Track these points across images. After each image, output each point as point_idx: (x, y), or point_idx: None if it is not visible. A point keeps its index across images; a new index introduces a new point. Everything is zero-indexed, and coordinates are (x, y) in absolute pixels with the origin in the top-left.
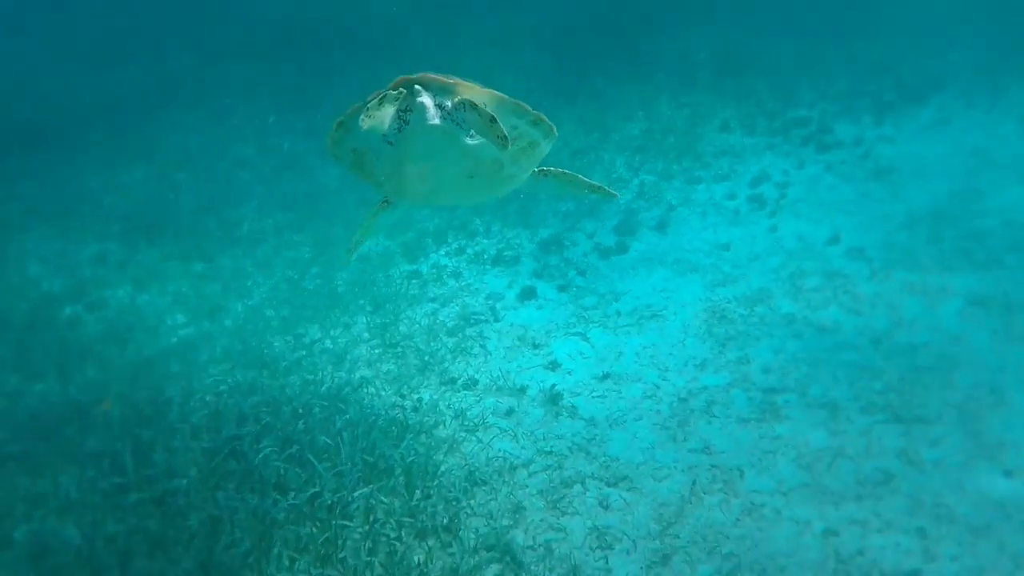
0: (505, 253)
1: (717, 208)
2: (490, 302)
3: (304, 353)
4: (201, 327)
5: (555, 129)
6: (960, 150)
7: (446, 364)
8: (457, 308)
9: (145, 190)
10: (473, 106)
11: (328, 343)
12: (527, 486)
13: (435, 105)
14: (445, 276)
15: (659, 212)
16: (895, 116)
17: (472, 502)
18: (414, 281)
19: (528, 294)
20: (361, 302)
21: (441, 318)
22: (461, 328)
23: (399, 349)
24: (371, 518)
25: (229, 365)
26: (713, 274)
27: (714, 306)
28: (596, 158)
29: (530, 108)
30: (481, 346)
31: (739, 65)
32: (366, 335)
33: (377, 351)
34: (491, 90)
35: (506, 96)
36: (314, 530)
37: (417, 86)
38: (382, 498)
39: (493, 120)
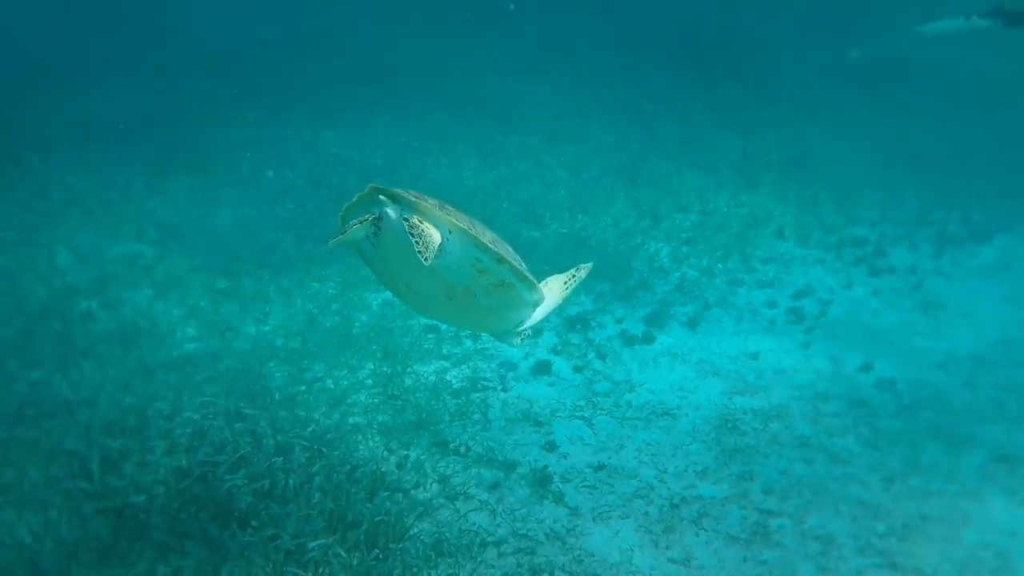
0: None
1: (754, 315)
2: (502, 370)
3: (303, 389)
4: (209, 344)
5: (534, 285)
6: (1016, 297)
7: (442, 425)
8: (468, 371)
9: (189, 200)
10: (419, 222)
11: (329, 383)
12: (493, 567)
13: (400, 218)
14: (463, 336)
15: (694, 309)
16: (955, 250)
17: (432, 572)
18: (431, 336)
19: (542, 368)
20: (373, 347)
21: (448, 378)
22: (467, 391)
23: (399, 402)
24: (322, 571)
25: (224, 388)
26: (735, 381)
27: (728, 414)
28: (642, 243)
29: (492, 248)
30: (483, 413)
31: (804, 173)
32: (369, 382)
33: (376, 400)
34: (457, 219)
35: (466, 228)
36: (264, 572)
37: (382, 196)
38: (341, 552)
39: (420, 234)
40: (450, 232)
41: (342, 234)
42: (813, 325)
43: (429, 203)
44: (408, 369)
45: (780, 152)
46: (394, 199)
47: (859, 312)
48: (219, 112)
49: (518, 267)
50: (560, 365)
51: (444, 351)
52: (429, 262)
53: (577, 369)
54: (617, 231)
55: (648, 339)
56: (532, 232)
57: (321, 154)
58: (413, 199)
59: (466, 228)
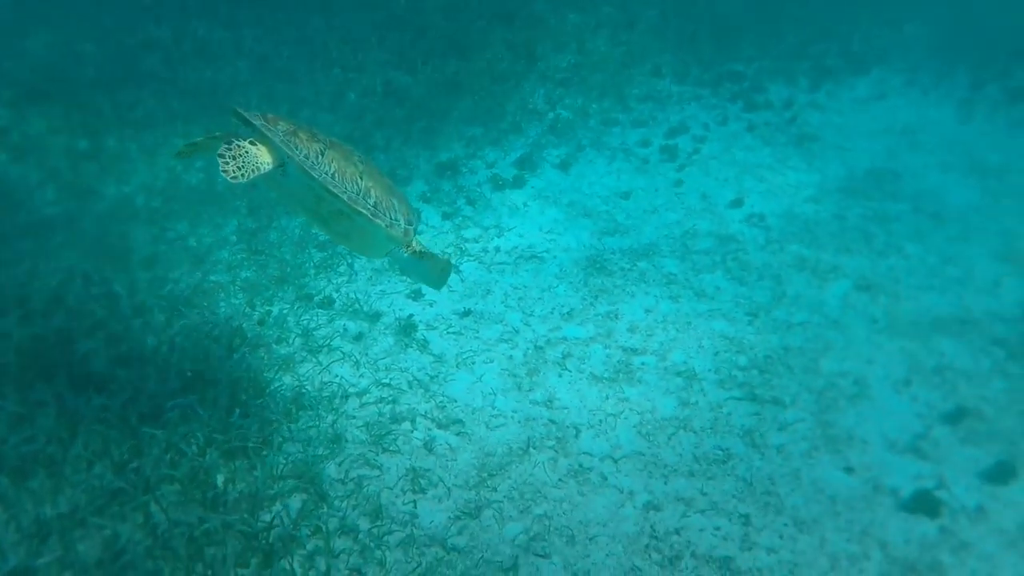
0: (398, 172)
1: (627, 154)
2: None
3: (164, 248)
4: (68, 207)
5: (374, 218)
6: (889, 128)
7: (307, 279)
8: None
9: (46, 58)
10: (239, 146)
11: (192, 241)
12: (355, 417)
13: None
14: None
15: (566, 150)
16: (832, 84)
17: (292, 426)
18: None
19: None
20: (238, 203)
21: (315, 230)
22: (332, 243)
23: (263, 257)
24: (181, 430)
25: (82, 251)
26: (605, 222)
27: (597, 255)
28: (515, 85)
29: (317, 178)
30: (349, 264)
31: (687, 9)
32: (233, 238)
33: (240, 256)
34: (297, 146)
35: (299, 157)
36: (120, 435)
37: (235, 119)
38: (199, 411)
39: (229, 155)
40: (288, 157)
41: (189, 144)
42: (686, 163)
43: (277, 127)
44: (273, 223)
45: None
46: (245, 122)
47: (733, 148)
48: None
49: (352, 199)
50: (428, 213)
51: None
52: (232, 180)
53: (446, 216)
54: (491, 75)
55: (519, 183)
56: (404, 77)
57: (187, 2)
58: (259, 123)
59: (299, 157)
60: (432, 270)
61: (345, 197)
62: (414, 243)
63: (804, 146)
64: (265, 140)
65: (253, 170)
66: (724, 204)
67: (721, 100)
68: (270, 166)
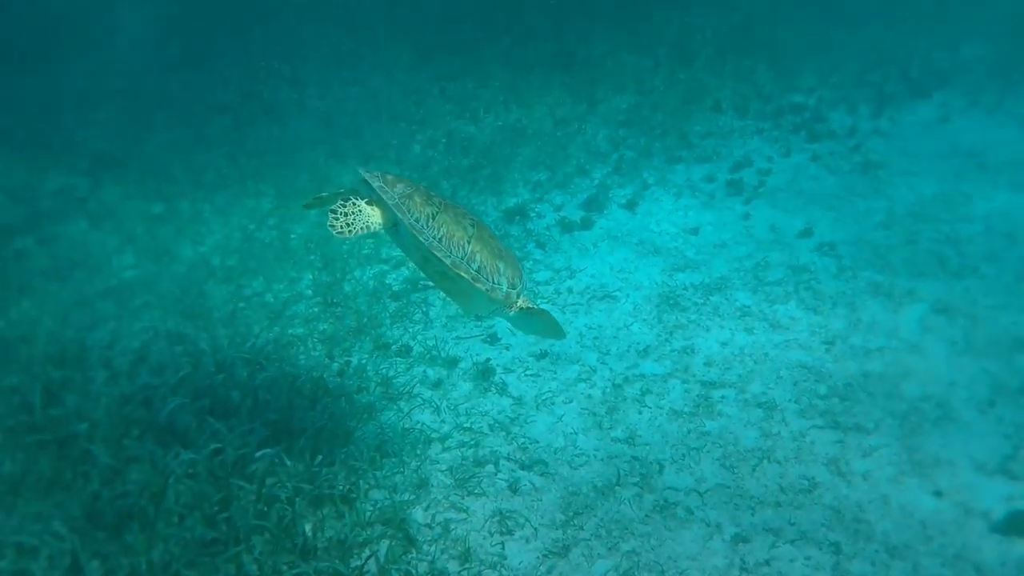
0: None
1: (693, 190)
2: None
3: (242, 305)
4: (146, 270)
5: (476, 282)
6: (955, 151)
7: (383, 328)
8: (407, 271)
9: (119, 127)
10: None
11: (269, 297)
12: (438, 462)
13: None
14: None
15: (632, 189)
16: (894, 109)
17: (377, 473)
18: (369, 241)
19: None
20: (311, 258)
21: (388, 280)
22: (407, 293)
23: (339, 309)
24: (269, 481)
25: (163, 311)
26: (675, 258)
27: (669, 291)
28: (578, 128)
29: (423, 242)
30: (424, 312)
31: (744, 44)
32: (309, 292)
33: (316, 309)
34: (408, 209)
35: (408, 220)
36: (209, 488)
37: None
38: (286, 461)
39: (339, 212)
40: (400, 220)
41: (316, 197)
42: (752, 195)
43: (393, 190)
44: (347, 276)
45: (717, 23)
46: (366, 183)
47: (798, 179)
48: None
49: (455, 263)
50: None
51: (383, 255)
52: (338, 234)
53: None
54: (553, 119)
55: (587, 224)
56: (467, 127)
57: (252, 66)
58: (376, 184)
59: (409, 220)
60: (542, 324)
61: (448, 261)
62: (520, 302)
63: (870, 173)
64: (380, 201)
65: (363, 228)
66: (793, 234)
67: (783, 132)
68: (380, 226)
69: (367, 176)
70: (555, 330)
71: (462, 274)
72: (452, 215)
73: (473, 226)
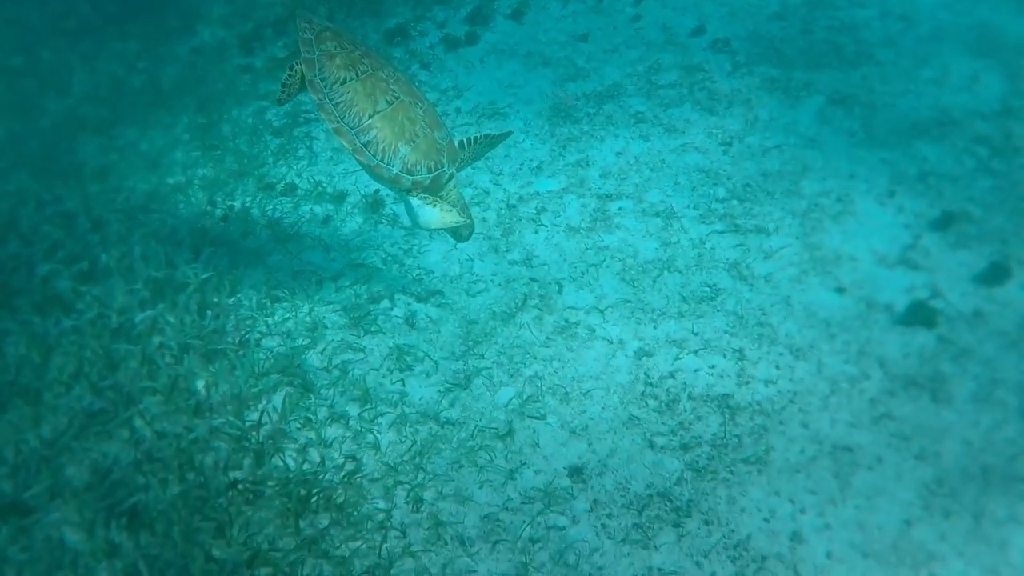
0: (277, 101)
1: None
2: None
3: (116, 157)
4: (10, 128)
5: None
6: None
7: (266, 168)
8: (288, 105)
9: None
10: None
11: (144, 145)
12: (332, 302)
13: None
14: (279, 70)
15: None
16: None
17: (269, 320)
18: (246, 76)
19: None
20: (186, 100)
21: (268, 117)
22: (288, 128)
23: (218, 152)
24: (155, 340)
25: (31, 172)
26: (566, 68)
27: (560, 103)
28: None
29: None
30: (308, 147)
31: None
32: (186, 137)
33: (195, 154)
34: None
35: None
36: (94, 354)
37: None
38: (170, 318)
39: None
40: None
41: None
42: None
43: (320, 46)
44: (225, 116)
45: None
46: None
47: None
48: None
49: (339, 128)
50: None
51: (261, 90)
52: (278, 103)
53: None
54: None
55: (472, 39)
56: None
57: None
58: (303, 35)
59: (310, 77)
60: (454, 219)
61: (332, 125)
62: (415, 189)
63: None
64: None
65: (294, 91)
66: (686, 33)
67: None
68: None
69: (301, 25)
70: (457, 232)
71: (343, 142)
72: (369, 86)
73: (391, 104)
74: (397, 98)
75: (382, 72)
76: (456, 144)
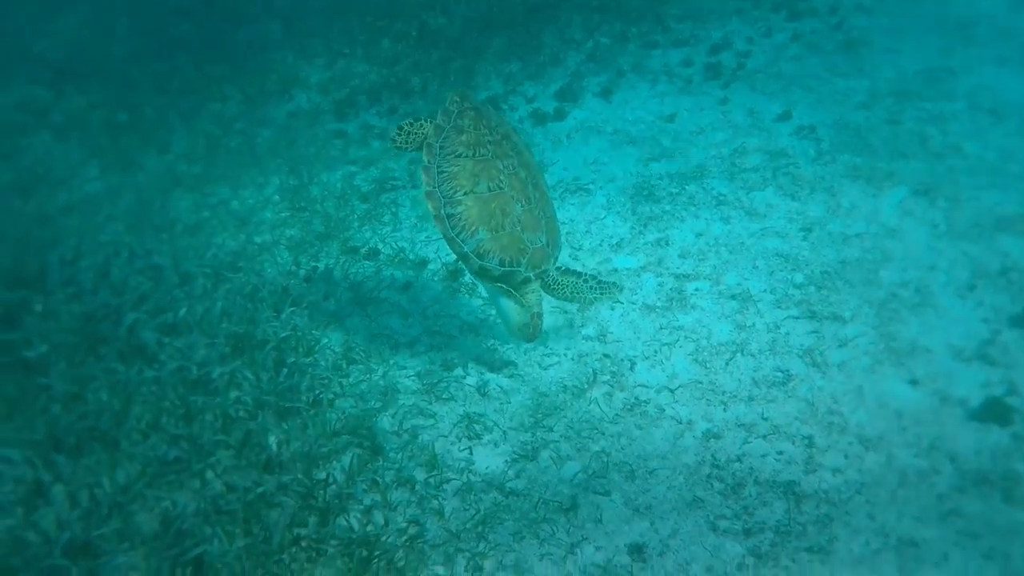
0: (390, 141)
1: (670, 76)
2: (412, 166)
3: (208, 214)
4: (110, 182)
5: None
6: (942, 24)
7: (352, 231)
8: (376, 172)
9: (80, 37)
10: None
11: (235, 204)
12: (406, 367)
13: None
14: (371, 137)
15: (607, 77)
16: None
17: (344, 381)
18: (337, 142)
19: None
20: (279, 162)
21: (357, 182)
22: (375, 194)
23: (306, 213)
24: (232, 395)
25: (127, 224)
26: (651, 147)
27: (644, 182)
28: (551, 15)
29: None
30: (393, 214)
31: None
32: (276, 198)
33: (283, 215)
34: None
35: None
36: (172, 404)
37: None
38: (247, 374)
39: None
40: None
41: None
42: (731, 79)
43: (458, 121)
44: (315, 179)
45: None
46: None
47: (778, 60)
48: None
49: (429, 192)
50: None
51: (351, 156)
52: (396, 147)
53: None
54: (525, 7)
55: (560, 115)
56: (438, 19)
57: None
58: (449, 106)
59: (428, 141)
60: (512, 317)
61: (425, 189)
62: (487, 275)
63: (853, 51)
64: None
65: (417, 145)
66: (772, 118)
67: (763, 11)
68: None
69: (452, 98)
70: (519, 331)
71: (430, 206)
72: (479, 168)
73: (491, 191)
74: (499, 188)
75: (501, 162)
76: (551, 258)
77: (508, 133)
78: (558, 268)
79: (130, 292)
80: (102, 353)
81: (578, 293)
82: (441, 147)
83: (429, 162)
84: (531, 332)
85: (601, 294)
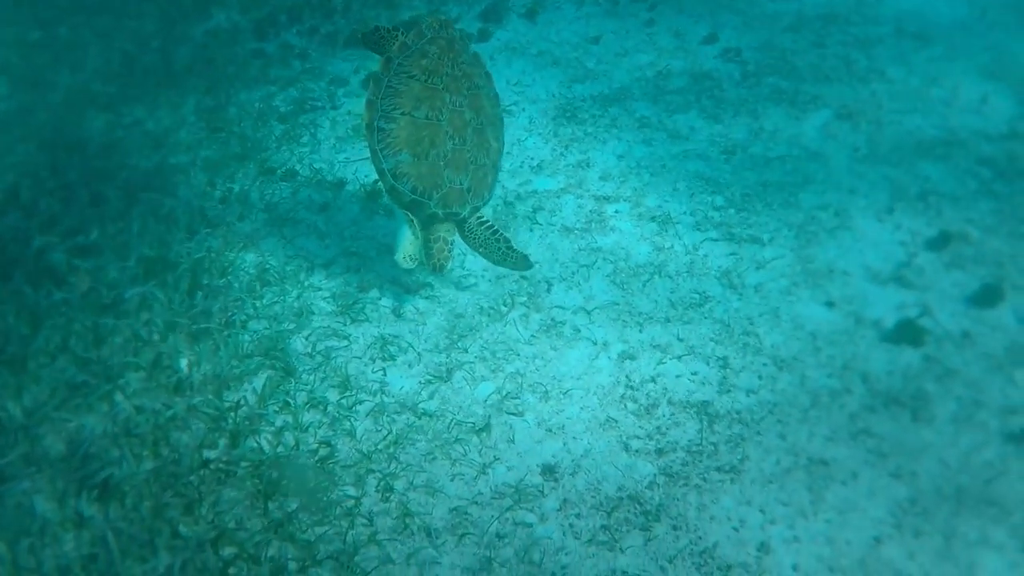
0: (358, 34)
1: None
2: (332, 87)
3: (122, 134)
4: (21, 100)
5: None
6: None
7: (269, 152)
8: (295, 92)
9: None
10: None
11: (150, 124)
12: (321, 289)
13: None
14: (291, 57)
15: None
16: None
17: (258, 303)
18: (257, 61)
19: None
20: (196, 81)
21: (276, 103)
22: (294, 114)
23: (223, 134)
24: (143, 317)
25: (38, 144)
26: (575, 69)
27: (567, 104)
28: None
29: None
30: (312, 135)
31: None
32: (192, 118)
33: (200, 135)
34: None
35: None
36: (82, 327)
37: None
38: (159, 295)
39: None
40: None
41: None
42: (658, 1)
43: (420, 40)
44: (232, 99)
45: None
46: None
47: None
48: None
49: (369, 108)
50: None
51: (271, 75)
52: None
53: None
54: None
55: (484, 36)
56: None
57: None
58: (415, 27)
59: (382, 55)
60: (403, 245)
61: (364, 104)
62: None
63: None
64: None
65: (379, 51)
66: (698, 41)
67: None
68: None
69: (429, 22)
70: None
71: (365, 115)
72: (425, 94)
73: (427, 119)
74: (437, 119)
75: (450, 96)
76: (467, 204)
77: (472, 75)
78: (479, 219)
79: (40, 214)
80: (10, 275)
81: (487, 249)
82: (399, 64)
83: (382, 74)
84: (407, 265)
85: (508, 259)
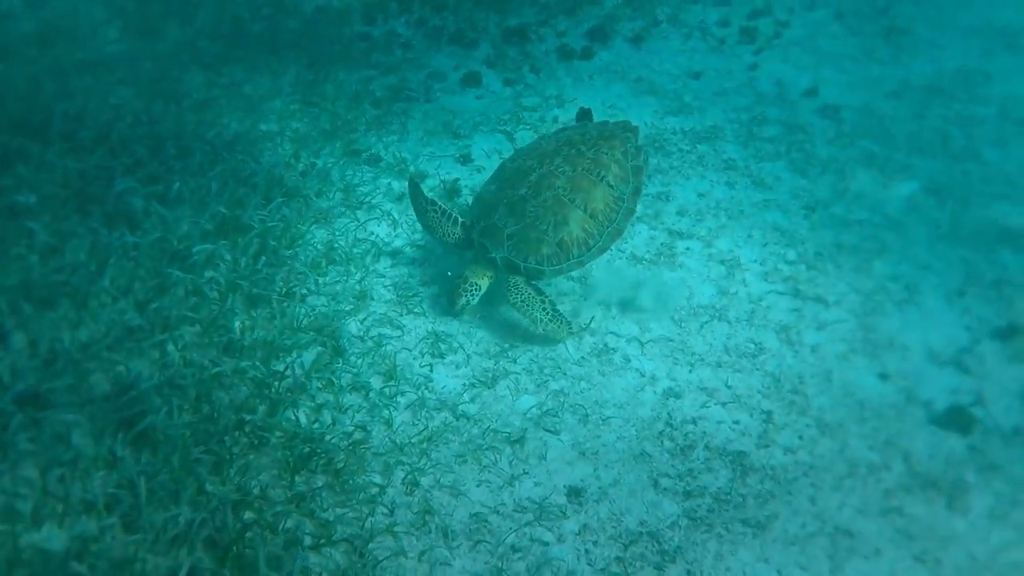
0: (466, 34)
1: (704, 33)
2: (429, 81)
3: (218, 93)
4: (130, 46)
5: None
6: (988, 27)
7: (357, 134)
8: (394, 79)
9: None
10: None
11: (247, 88)
12: (384, 276)
13: None
14: (395, 45)
15: (641, 24)
16: None
17: (320, 279)
18: (361, 44)
19: (472, 80)
20: (299, 54)
21: (373, 87)
22: (389, 101)
23: (316, 109)
24: (207, 273)
25: (137, 90)
26: (671, 101)
27: (657, 134)
28: None
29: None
30: (402, 124)
31: None
32: (289, 89)
33: (294, 107)
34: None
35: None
36: (147, 273)
37: None
38: (226, 255)
39: None
40: None
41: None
42: (764, 46)
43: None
44: (331, 77)
45: None
46: None
47: (817, 35)
48: None
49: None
50: (490, 78)
51: (373, 59)
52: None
53: (508, 82)
54: None
55: (587, 54)
56: None
57: None
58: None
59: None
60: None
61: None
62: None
63: (893, 38)
64: None
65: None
66: (798, 92)
67: None
68: None
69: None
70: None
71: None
72: (532, 178)
73: (526, 168)
74: (529, 167)
75: (560, 160)
76: (506, 255)
77: (605, 164)
78: (531, 281)
79: (127, 156)
80: (89, 212)
81: (528, 307)
82: (537, 143)
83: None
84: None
85: (550, 324)
